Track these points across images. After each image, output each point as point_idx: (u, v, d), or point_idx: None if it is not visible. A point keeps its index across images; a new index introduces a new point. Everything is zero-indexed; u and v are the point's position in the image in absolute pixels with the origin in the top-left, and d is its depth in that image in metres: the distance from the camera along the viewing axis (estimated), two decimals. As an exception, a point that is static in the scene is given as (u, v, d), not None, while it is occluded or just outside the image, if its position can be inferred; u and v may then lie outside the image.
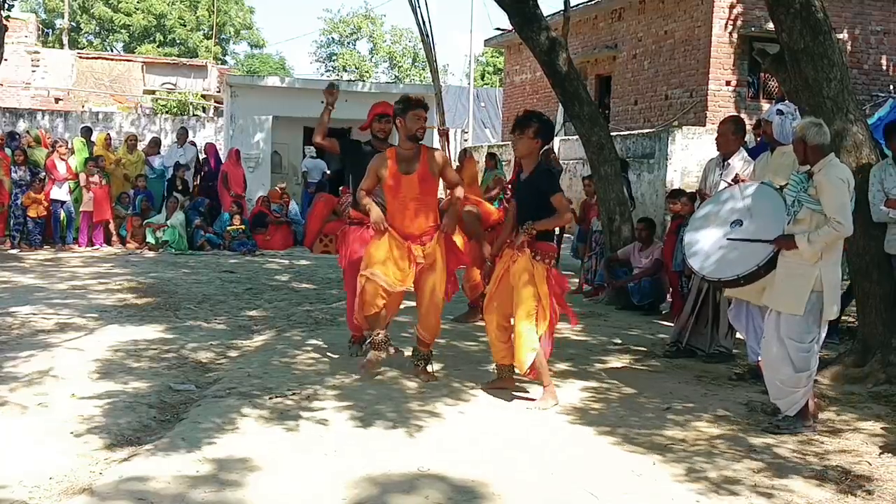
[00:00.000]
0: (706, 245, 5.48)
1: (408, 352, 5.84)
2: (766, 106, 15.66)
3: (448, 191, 5.58)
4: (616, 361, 6.42)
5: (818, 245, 4.67)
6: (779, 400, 4.87)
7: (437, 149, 5.44)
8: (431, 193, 5.43)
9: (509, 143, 19.15)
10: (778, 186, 5.31)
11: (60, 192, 12.70)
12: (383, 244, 5.30)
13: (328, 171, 16.28)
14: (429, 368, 5.54)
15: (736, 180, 5.99)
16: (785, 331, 4.78)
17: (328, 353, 6.28)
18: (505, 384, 5.34)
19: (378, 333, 5.42)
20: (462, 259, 5.83)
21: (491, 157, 14.31)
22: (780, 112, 5.69)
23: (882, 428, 4.83)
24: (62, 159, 12.86)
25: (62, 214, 12.77)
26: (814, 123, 4.86)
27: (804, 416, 4.80)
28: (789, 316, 4.77)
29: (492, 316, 5.26)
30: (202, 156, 15.45)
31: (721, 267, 5.31)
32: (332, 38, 57.52)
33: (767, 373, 4.96)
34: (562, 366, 6.08)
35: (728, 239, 5.33)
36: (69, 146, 13.45)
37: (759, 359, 5.72)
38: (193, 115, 26.77)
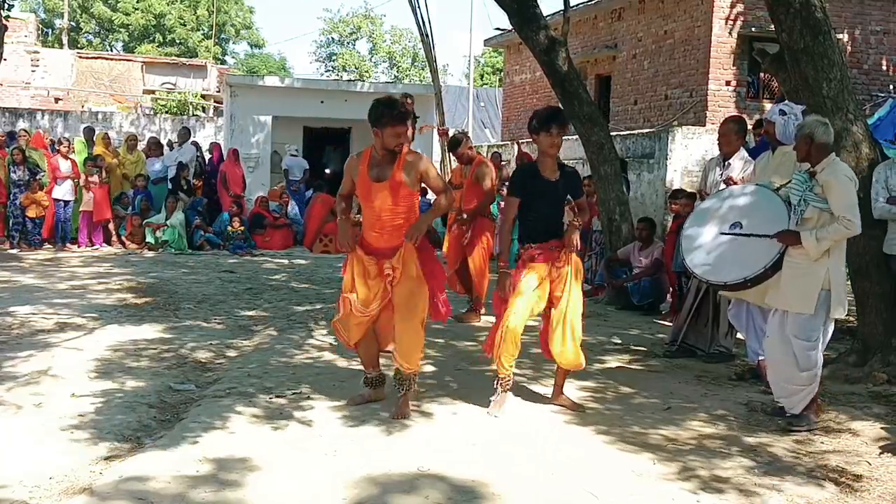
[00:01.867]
0: (708, 249, 5.42)
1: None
2: (766, 106, 15.64)
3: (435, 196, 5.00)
4: (616, 361, 6.42)
5: (826, 243, 4.66)
6: (783, 399, 4.87)
7: (417, 153, 4.82)
8: (407, 204, 4.71)
9: (509, 143, 19.22)
10: (776, 187, 5.30)
11: (63, 192, 12.71)
12: (352, 264, 4.79)
13: (308, 168, 16.35)
14: (411, 397, 4.86)
15: (729, 183, 5.99)
16: (791, 329, 4.77)
17: (327, 353, 6.28)
18: (505, 398, 5.03)
19: (371, 372, 5.03)
20: (441, 279, 5.08)
21: (497, 156, 14.35)
22: (782, 112, 5.69)
23: (882, 428, 4.83)
24: (67, 158, 12.90)
25: (62, 214, 12.79)
26: (821, 122, 4.85)
27: (815, 412, 4.81)
28: (797, 315, 4.75)
29: (523, 322, 4.91)
30: (207, 154, 15.46)
31: (726, 270, 5.25)
32: (332, 38, 57.53)
33: (772, 373, 4.95)
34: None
35: (729, 233, 5.27)
36: (70, 145, 13.47)
37: (760, 358, 5.72)
38: (193, 115, 26.76)
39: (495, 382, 4.99)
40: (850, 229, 4.65)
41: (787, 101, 6.03)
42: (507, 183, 12.55)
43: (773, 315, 4.93)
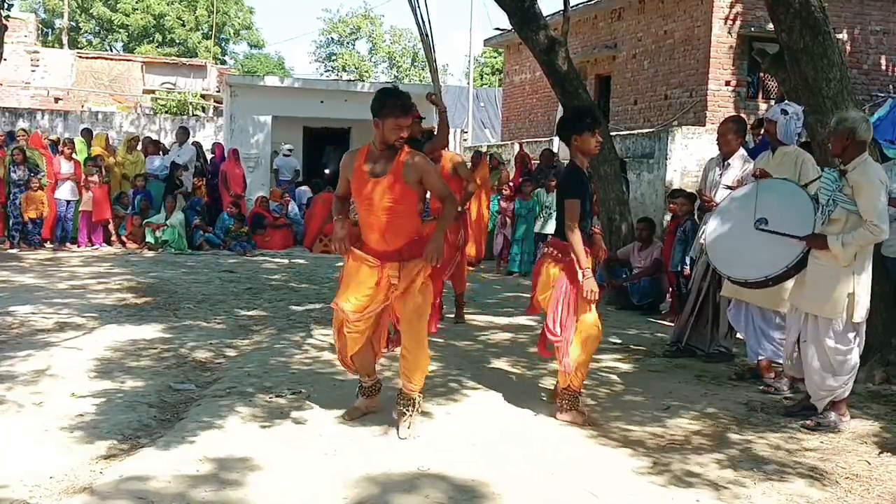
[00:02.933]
0: (730, 244, 5.38)
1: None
2: (765, 106, 15.65)
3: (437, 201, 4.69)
4: (615, 361, 6.42)
5: (852, 248, 4.60)
6: (818, 402, 4.83)
7: (419, 153, 4.46)
8: (407, 203, 4.38)
9: (509, 143, 19.21)
10: (804, 184, 5.26)
11: (65, 192, 12.72)
12: (350, 267, 4.48)
13: (299, 169, 16.37)
14: (415, 421, 4.52)
15: (756, 175, 5.93)
16: (825, 334, 4.72)
17: (326, 353, 6.28)
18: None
19: (366, 380, 4.76)
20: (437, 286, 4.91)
21: (498, 155, 14.37)
22: (784, 112, 5.67)
23: (881, 427, 4.83)
24: (70, 159, 12.94)
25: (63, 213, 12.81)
26: (863, 118, 4.76)
27: (841, 413, 4.79)
28: (827, 320, 4.70)
29: None
30: (209, 155, 15.47)
31: (747, 267, 5.21)
32: (332, 38, 57.51)
33: (808, 378, 4.88)
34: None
35: (759, 228, 5.15)
36: (73, 146, 13.51)
37: (760, 358, 5.72)
38: (193, 114, 26.76)
39: (568, 402, 4.77)
40: (877, 235, 4.58)
41: (787, 101, 6.02)
42: (508, 183, 12.63)
43: (804, 320, 4.85)
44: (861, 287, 4.68)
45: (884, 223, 4.58)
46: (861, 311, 4.70)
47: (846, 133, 4.68)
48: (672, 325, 7.76)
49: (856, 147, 4.68)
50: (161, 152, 14.92)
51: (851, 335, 4.73)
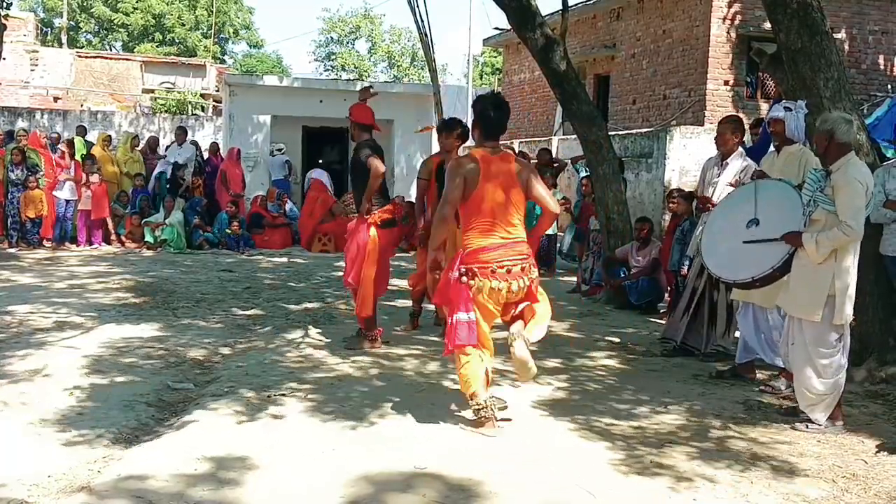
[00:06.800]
0: (721, 244, 5.40)
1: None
2: (764, 105, 15.66)
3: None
4: (613, 360, 6.42)
5: (825, 248, 4.57)
6: (806, 408, 4.78)
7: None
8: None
9: (506, 142, 19.23)
10: (797, 184, 5.27)
11: (64, 192, 12.72)
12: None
13: (288, 160, 16.43)
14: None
15: (756, 176, 5.94)
16: (808, 336, 4.71)
17: (325, 352, 6.29)
18: None
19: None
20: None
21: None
22: (787, 109, 5.67)
23: (878, 427, 4.84)
24: (71, 159, 12.96)
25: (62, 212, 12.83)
26: (844, 119, 4.73)
27: (834, 418, 4.77)
28: (810, 322, 4.69)
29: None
30: (205, 155, 15.48)
31: (736, 268, 5.22)
32: (331, 38, 57.49)
33: (795, 381, 4.88)
34: (558, 364, 6.10)
35: (743, 242, 5.20)
36: (72, 147, 13.53)
37: (746, 360, 5.75)
38: (192, 114, 26.77)
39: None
40: (850, 236, 4.54)
41: (787, 100, 6.02)
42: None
43: (792, 322, 4.84)
44: (841, 289, 4.61)
45: (857, 224, 4.53)
46: (842, 314, 4.64)
47: (824, 135, 4.68)
48: (665, 322, 7.78)
49: (837, 148, 4.66)
50: (150, 152, 14.93)
51: (834, 338, 4.69)
